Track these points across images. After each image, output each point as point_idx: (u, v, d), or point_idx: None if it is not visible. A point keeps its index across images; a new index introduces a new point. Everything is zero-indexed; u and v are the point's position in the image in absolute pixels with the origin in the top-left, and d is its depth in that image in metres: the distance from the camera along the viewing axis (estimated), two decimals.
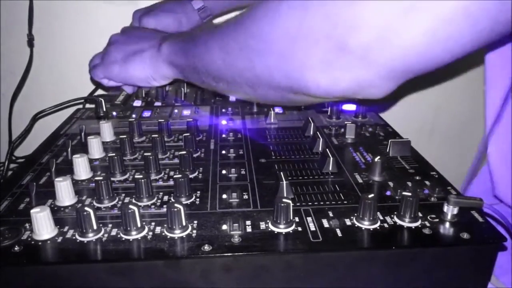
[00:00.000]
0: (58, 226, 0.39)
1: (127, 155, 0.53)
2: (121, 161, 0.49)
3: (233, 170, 0.50)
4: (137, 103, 0.76)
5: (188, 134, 0.55)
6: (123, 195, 0.45)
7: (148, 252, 0.37)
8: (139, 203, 0.43)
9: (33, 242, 0.38)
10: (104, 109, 0.68)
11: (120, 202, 0.44)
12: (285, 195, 0.43)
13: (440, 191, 0.45)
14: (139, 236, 0.38)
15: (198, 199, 0.44)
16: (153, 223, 0.40)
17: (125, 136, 0.54)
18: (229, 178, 0.49)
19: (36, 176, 0.50)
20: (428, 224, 0.40)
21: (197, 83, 0.56)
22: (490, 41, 0.34)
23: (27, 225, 0.40)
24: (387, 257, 0.38)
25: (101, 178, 0.43)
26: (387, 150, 0.54)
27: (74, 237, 0.38)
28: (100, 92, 0.90)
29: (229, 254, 0.36)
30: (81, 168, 0.48)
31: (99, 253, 0.37)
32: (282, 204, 0.39)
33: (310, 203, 0.43)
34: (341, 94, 0.40)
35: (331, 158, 0.49)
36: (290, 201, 0.39)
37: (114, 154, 0.49)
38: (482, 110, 1.06)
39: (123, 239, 0.38)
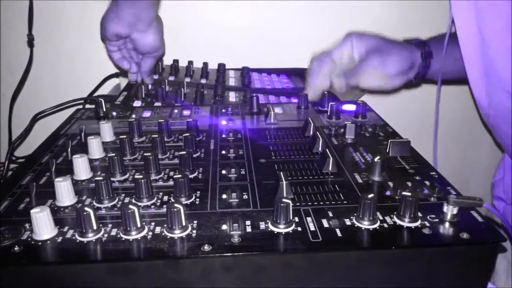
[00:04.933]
0: (58, 226, 0.39)
1: (127, 155, 0.53)
2: (121, 161, 0.49)
3: (233, 170, 0.50)
4: (137, 103, 0.76)
5: (188, 134, 0.55)
6: (123, 195, 0.45)
7: (148, 252, 0.37)
8: (139, 203, 0.43)
9: (33, 242, 0.38)
10: (104, 109, 0.68)
11: (120, 202, 0.44)
12: (284, 195, 0.43)
13: (440, 191, 0.45)
14: (139, 236, 0.38)
15: (198, 199, 0.44)
16: (153, 223, 0.40)
17: (125, 136, 0.54)
18: (229, 178, 0.49)
19: (36, 176, 0.50)
20: (427, 224, 0.40)
21: None
22: None
23: (27, 225, 0.40)
24: (387, 257, 0.38)
25: (101, 178, 0.43)
26: (387, 150, 0.54)
27: (74, 237, 0.38)
28: (100, 92, 0.90)
29: (229, 254, 0.36)
30: (81, 168, 0.48)
31: (99, 253, 0.37)
32: (282, 204, 0.39)
33: (310, 203, 0.43)
34: None
35: (331, 158, 0.49)
36: (289, 201, 0.39)
37: (114, 154, 0.49)
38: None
39: (123, 239, 0.38)
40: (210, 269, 0.37)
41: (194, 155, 0.54)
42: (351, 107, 0.70)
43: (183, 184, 0.44)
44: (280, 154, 0.55)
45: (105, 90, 0.91)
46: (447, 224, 0.40)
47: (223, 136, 0.61)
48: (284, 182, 0.44)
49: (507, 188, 0.79)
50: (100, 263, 0.36)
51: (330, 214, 0.41)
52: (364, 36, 0.73)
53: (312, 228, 0.39)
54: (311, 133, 0.58)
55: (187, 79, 0.87)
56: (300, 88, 0.86)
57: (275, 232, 0.39)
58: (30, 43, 0.93)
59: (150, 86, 0.82)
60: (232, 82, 0.88)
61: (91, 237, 0.38)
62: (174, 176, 0.44)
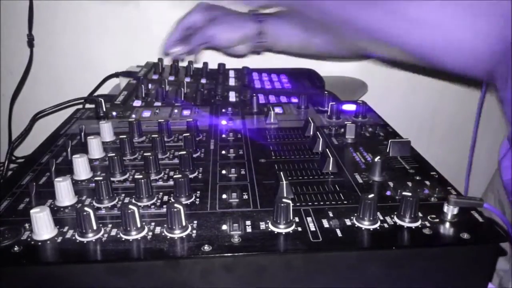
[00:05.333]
0: (58, 226, 0.39)
1: (127, 155, 0.53)
2: (121, 161, 0.49)
3: (233, 170, 0.50)
4: (137, 103, 0.76)
5: (188, 134, 0.55)
6: (123, 195, 0.45)
7: (148, 252, 0.36)
8: (139, 203, 0.43)
9: (32, 242, 0.38)
10: (104, 109, 0.68)
11: (120, 202, 0.44)
12: (285, 195, 0.43)
13: (440, 191, 0.45)
14: (139, 236, 0.38)
15: (198, 199, 0.44)
16: (153, 223, 0.40)
17: (125, 136, 0.54)
18: (229, 178, 0.49)
19: (36, 176, 0.50)
20: (428, 224, 0.40)
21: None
22: None
23: (27, 225, 0.40)
24: (387, 257, 0.38)
25: (101, 178, 0.43)
26: (387, 150, 0.54)
27: (73, 237, 0.38)
28: (100, 92, 0.90)
29: (229, 254, 0.36)
30: (81, 168, 0.48)
31: (98, 253, 0.37)
32: (282, 204, 0.39)
33: (310, 203, 0.43)
34: None
35: (331, 158, 0.49)
36: (290, 201, 0.39)
37: (114, 154, 0.48)
38: (481, 109, 1.06)
39: (123, 239, 0.38)
40: (210, 269, 0.37)
41: (194, 155, 0.54)
42: (351, 107, 0.70)
43: (183, 184, 0.44)
44: (280, 154, 0.55)
45: (105, 90, 0.91)
46: (447, 224, 0.40)
47: (223, 136, 0.61)
48: (284, 182, 0.44)
49: None
50: (100, 263, 0.36)
51: (331, 214, 0.41)
52: (210, 7, 0.79)
53: (313, 228, 0.39)
54: (311, 133, 0.58)
55: (187, 79, 0.86)
56: (300, 88, 0.86)
57: (275, 232, 0.39)
58: (30, 43, 0.93)
59: (150, 86, 0.81)
60: (232, 82, 0.88)
61: (91, 237, 0.38)
62: (174, 176, 0.44)
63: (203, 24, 0.78)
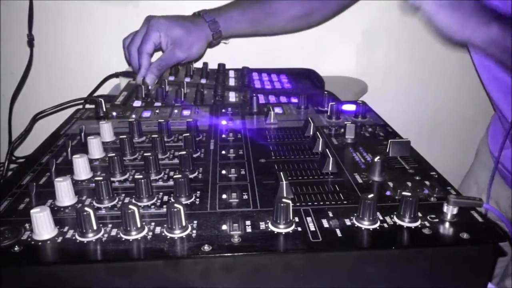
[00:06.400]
0: (58, 226, 0.39)
1: (127, 155, 0.53)
2: (121, 161, 0.49)
3: (233, 170, 0.50)
4: (137, 103, 0.76)
5: (188, 134, 0.55)
6: (123, 195, 0.45)
7: (148, 252, 0.37)
8: (139, 203, 0.43)
9: (33, 242, 0.38)
10: (104, 110, 0.68)
11: (120, 202, 0.44)
12: (285, 195, 0.43)
13: (440, 191, 0.45)
14: (139, 236, 0.38)
15: (198, 199, 0.44)
16: (153, 223, 0.40)
17: (125, 136, 0.54)
18: (229, 178, 0.49)
19: (36, 176, 0.50)
20: (427, 224, 0.40)
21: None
22: None
23: (27, 225, 0.40)
24: (387, 257, 0.38)
25: (101, 178, 0.43)
26: (387, 150, 0.54)
27: (74, 237, 0.38)
28: (100, 92, 0.90)
29: (228, 254, 0.36)
30: (81, 168, 0.48)
31: (99, 253, 0.37)
32: (282, 204, 0.39)
33: (310, 203, 0.43)
34: None
35: (331, 158, 0.49)
36: (289, 201, 0.39)
37: (114, 154, 0.49)
38: (481, 110, 1.06)
39: (123, 239, 0.38)
40: (210, 269, 0.37)
41: (194, 155, 0.54)
42: (351, 107, 0.70)
43: (183, 184, 0.44)
44: (280, 154, 0.55)
45: (105, 90, 0.91)
46: (447, 224, 0.40)
47: (223, 136, 0.61)
48: (284, 182, 0.44)
49: None
50: (100, 263, 0.36)
51: (330, 214, 0.41)
52: (169, 29, 0.81)
53: (312, 228, 0.39)
54: (311, 133, 0.58)
55: (187, 79, 0.87)
56: (300, 88, 0.86)
57: (275, 232, 0.39)
58: (30, 43, 0.93)
59: (150, 87, 0.82)
60: (232, 82, 0.88)
61: (91, 237, 0.38)
62: (174, 176, 0.44)
63: (168, 47, 0.82)
